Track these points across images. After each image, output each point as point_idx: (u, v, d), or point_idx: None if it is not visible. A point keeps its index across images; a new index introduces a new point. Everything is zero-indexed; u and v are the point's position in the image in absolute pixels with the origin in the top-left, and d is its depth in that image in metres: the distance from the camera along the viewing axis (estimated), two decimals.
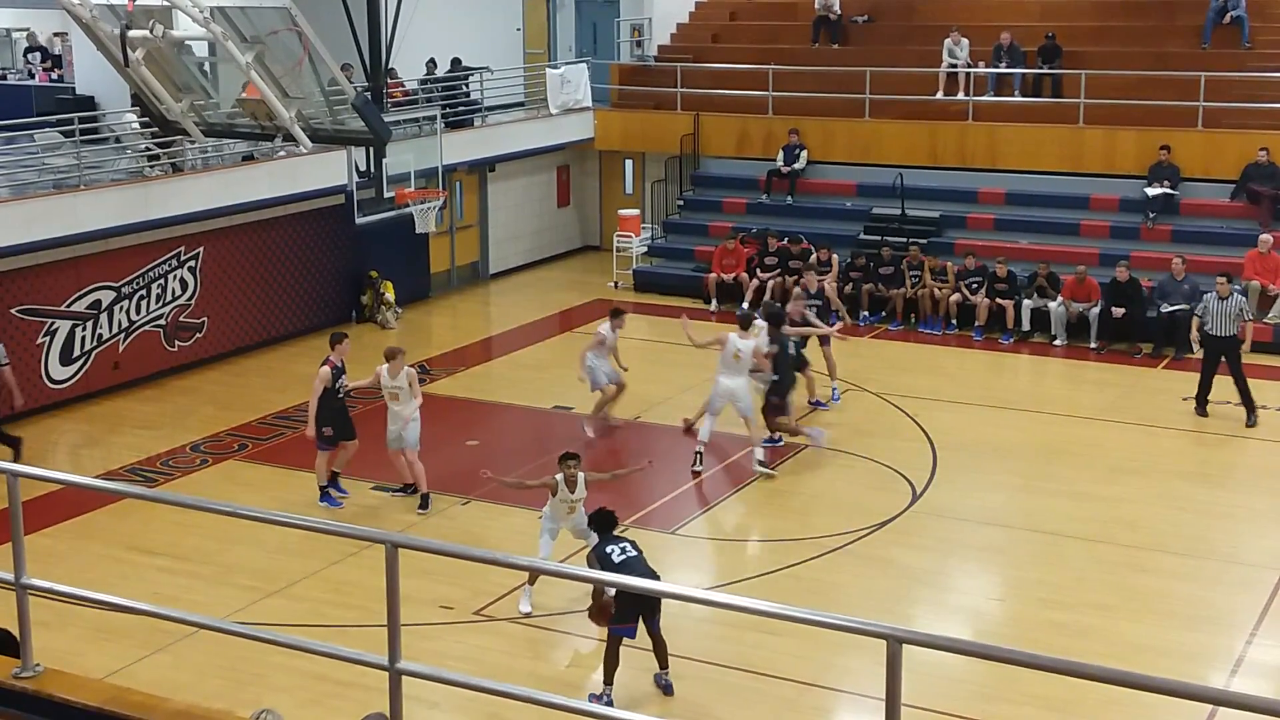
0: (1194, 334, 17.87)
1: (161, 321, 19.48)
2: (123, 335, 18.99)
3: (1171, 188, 21.99)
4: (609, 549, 11.01)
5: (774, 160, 24.72)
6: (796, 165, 24.50)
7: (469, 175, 24.97)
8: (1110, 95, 22.99)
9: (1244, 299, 17.59)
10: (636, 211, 25.99)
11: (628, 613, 10.89)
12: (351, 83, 16.04)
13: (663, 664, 11.16)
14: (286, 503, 14.84)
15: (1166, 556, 13.65)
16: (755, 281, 22.78)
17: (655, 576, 10.77)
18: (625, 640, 10.95)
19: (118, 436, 17.50)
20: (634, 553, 10.95)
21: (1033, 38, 24.35)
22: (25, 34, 33.94)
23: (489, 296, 24.94)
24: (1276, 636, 12.17)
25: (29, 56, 32.87)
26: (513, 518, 14.74)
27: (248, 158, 20.61)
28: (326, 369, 14.69)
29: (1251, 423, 17.18)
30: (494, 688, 5.99)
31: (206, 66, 16.16)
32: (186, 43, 15.41)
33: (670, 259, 25.02)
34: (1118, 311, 20.22)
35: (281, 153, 19.96)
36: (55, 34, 32.34)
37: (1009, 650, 4.60)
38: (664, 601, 11.18)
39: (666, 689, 11.13)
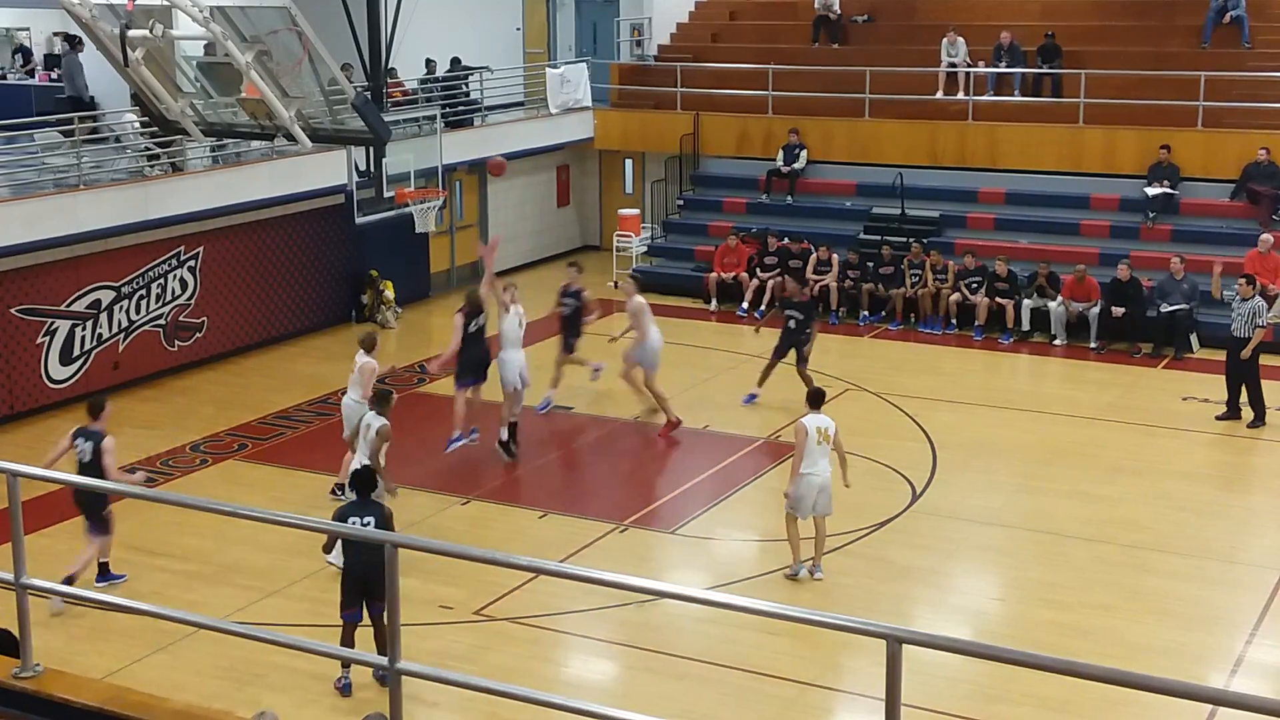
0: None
1: (161, 321, 19.48)
2: (122, 335, 18.99)
3: (1171, 187, 21.99)
4: (351, 518, 10.84)
5: (774, 160, 24.72)
6: (796, 165, 24.50)
7: (469, 175, 24.97)
8: (1110, 95, 22.99)
9: (1263, 302, 17.42)
10: (636, 211, 25.99)
11: (351, 597, 10.85)
12: (351, 83, 16.03)
13: (380, 650, 10.47)
14: (286, 503, 14.84)
15: (1167, 556, 13.65)
16: (755, 281, 22.80)
17: (378, 560, 10.52)
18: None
19: (118, 436, 17.41)
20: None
21: (1033, 37, 24.35)
22: (6, 35, 33.95)
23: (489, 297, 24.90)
24: (1276, 636, 12.18)
25: (14, 57, 32.90)
26: (512, 517, 14.76)
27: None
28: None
29: (1254, 425, 17.15)
30: (494, 688, 5.99)
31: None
32: (180, 42, 15.41)
33: (670, 259, 25.02)
34: (1118, 311, 20.22)
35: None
36: (55, 34, 32.33)
37: (1009, 650, 4.60)
38: (667, 602, 11.20)
39: (382, 680, 10.69)
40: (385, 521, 10.76)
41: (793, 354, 17.74)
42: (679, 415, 17.29)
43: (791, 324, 17.74)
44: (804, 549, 13.05)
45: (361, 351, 14.88)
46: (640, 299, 17.42)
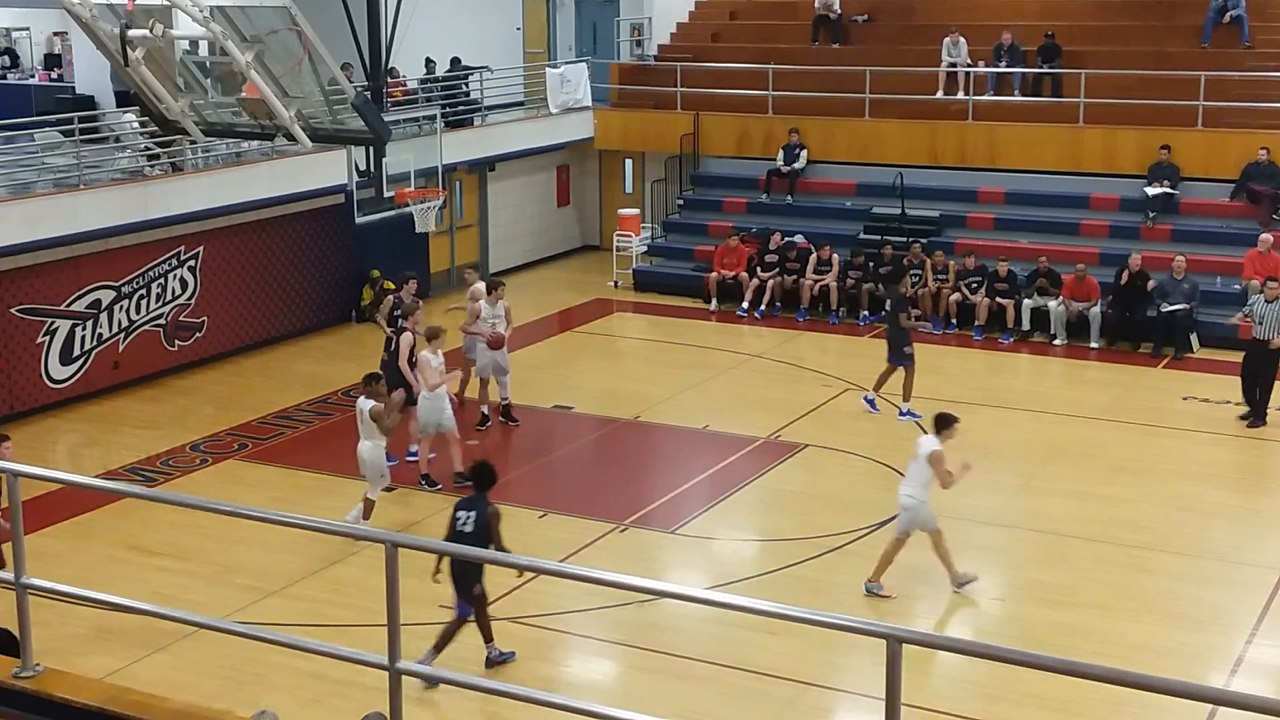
0: (1242, 326, 17.60)
1: (161, 321, 19.48)
2: (122, 335, 18.99)
3: (1171, 187, 21.99)
4: (459, 513, 11.09)
5: (774, 160, 24.73)
6: (796, 165, 24.51)
7: (469, 175, 24.98)
8: (1110, 95, 22.99)
9: None
10: (636, 211, 25.99)
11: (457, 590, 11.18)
12: (351, 82, 16.03)
13: (485, 638, 11.31)
14: (286, 503, 14.86)
15: (1167, 556, 13.65)
16: (755, 281, 22.80)
17: (476, 566, 10.86)
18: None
19: (118, 436, 17.50)
20: (470, 529, 10.92)
21: (1033, 37, 24.36)
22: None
23: None
24: (1276, 636, 12.18)
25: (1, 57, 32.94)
26: (513, 517, 14.70)
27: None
28: None
29: (1254, 424, 17.11)
30: (494, 688, 6.01)
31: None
32: (179, 41, 15.41)
33: (670, 258, 25.03)
34: (1136, 284, 20.09)
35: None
36: (55, 34, 32.34)
37: (1009, 650, 4.60)
38: (667, 602, 11.18)
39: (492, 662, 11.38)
40: (485, 519, 10.89)
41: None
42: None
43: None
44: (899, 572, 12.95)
45: (426, 350, 15.07)
46: (482, 286, 17.79)
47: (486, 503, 11.06)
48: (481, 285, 17.73)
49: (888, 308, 18.14)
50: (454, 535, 10.93)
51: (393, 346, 16.13)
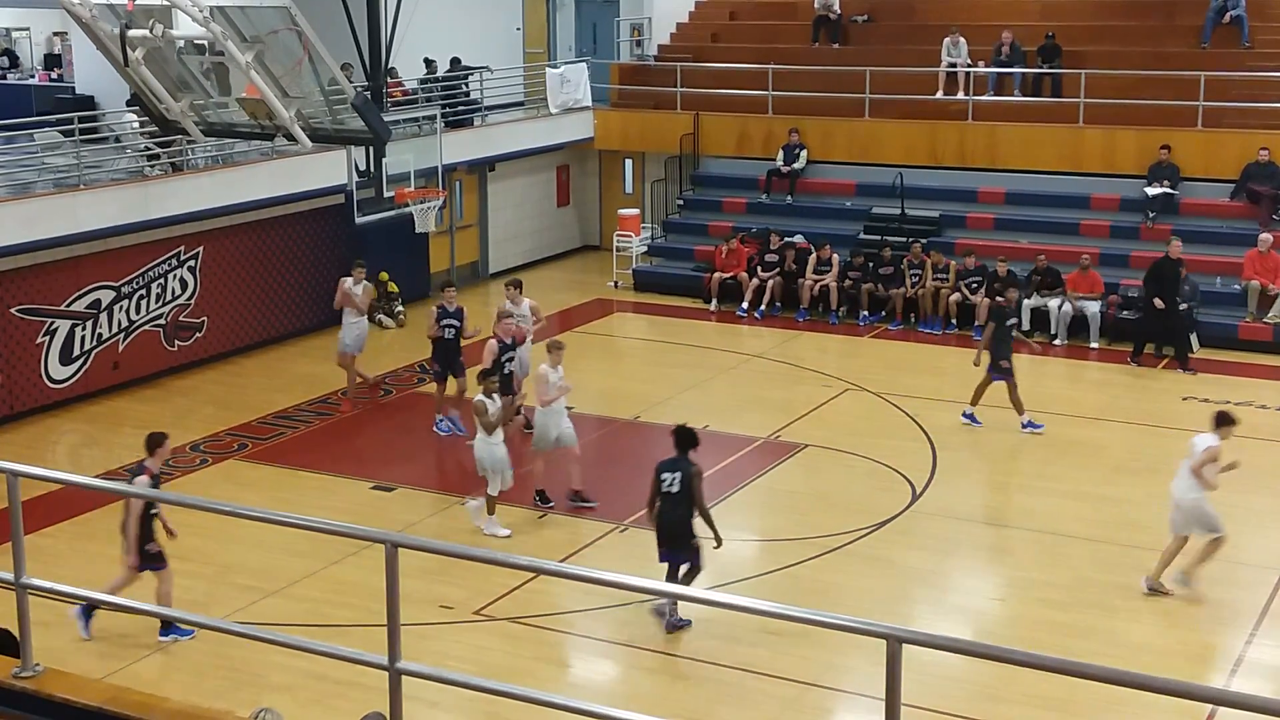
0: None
1: (161, 321, 19.48)
2: (122, 335, 18.98)
3: (1171, 187, 21.99)
4: (664, 475, 11.78)
5: (774, 160, 24.73)
6: (796, 165, 24.50)
7: (469, 175, 24.98)
8: (1110, 95, 22.99)
9: None
10: (636, 211, 26.00)
11: (659, 545, 11.95)
12: (351, 82, 16.03)
13: (673, 601, 11.94)
14: (286, 503, 14.85)
15: None
16: (755, 281, 22.80)
17: (686, 515, 11.68)
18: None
19: (118, 436, 17.48)
20: (676, 489, 11.73)
21: (1033, 37, 24.36)
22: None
23: (489, 296, 24.89)
24: (1276, 636, 12.18)
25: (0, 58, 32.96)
26: (512, 517, 14.75)
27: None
28: (144, 478, 12.09)
29: None
30: (494, 688, 5.99)
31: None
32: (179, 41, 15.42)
33: (670, 258, 25.03)
34: (1159, 303, 19.67)
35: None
36: (55, 34, 32.36)
37: (1009, 650, 4.60)
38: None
39: (670, 623, 11.97)
40: (689, 478, 11.70)
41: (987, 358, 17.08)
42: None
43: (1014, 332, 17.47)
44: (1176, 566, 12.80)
45: (545, 364, 15.02)
46: (368, 284, 18.38)
47: (690, 463, 11.74)
48: (368, 284, 18.25)
49: (991, 318, 17.33)
50: (659, 495, 11.72)
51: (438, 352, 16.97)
